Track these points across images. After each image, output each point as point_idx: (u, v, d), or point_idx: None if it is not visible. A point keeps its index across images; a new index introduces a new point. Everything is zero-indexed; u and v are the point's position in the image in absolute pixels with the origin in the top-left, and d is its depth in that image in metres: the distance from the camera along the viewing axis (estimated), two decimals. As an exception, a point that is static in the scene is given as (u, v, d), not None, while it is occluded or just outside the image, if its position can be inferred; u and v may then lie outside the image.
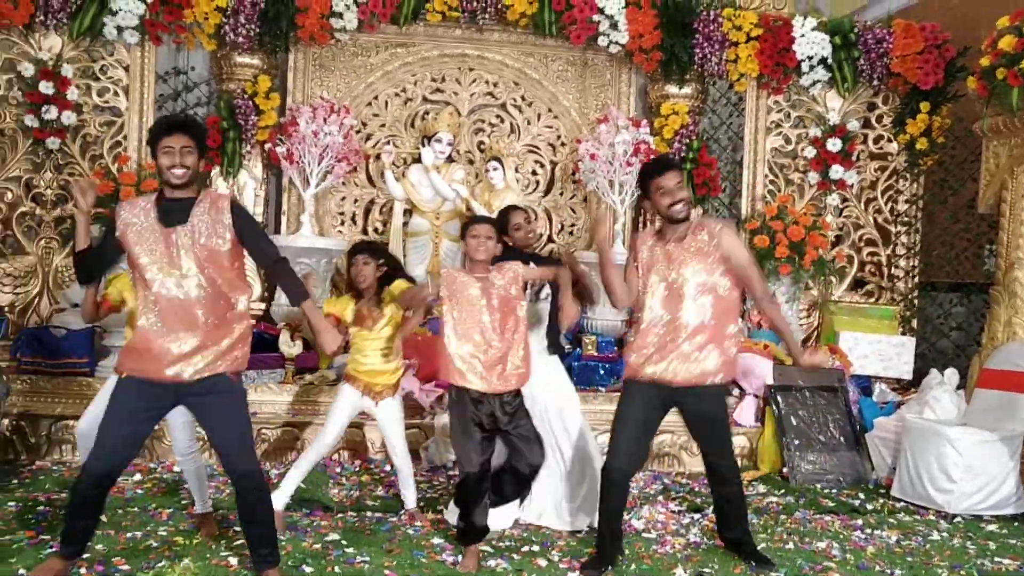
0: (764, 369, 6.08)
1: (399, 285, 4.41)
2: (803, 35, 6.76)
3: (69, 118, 6.18)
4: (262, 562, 3.64)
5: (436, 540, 4.29)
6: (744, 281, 3.96)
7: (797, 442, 5.86)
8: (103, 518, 4.28)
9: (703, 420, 4.04)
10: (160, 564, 3.78)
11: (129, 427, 3.50)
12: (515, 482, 4.09)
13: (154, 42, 6.38)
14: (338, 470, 5.47)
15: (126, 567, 3.77)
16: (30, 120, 6.15)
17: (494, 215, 6.45)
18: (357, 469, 5.56)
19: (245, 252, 3.61)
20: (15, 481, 5.03)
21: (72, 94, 6.20)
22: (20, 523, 4.29)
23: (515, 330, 4.01)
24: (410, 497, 4.63)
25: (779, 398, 5.98)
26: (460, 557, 4.04)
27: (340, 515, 4.62)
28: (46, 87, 6.11)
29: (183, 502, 4.71)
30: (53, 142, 6.19)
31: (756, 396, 6.11)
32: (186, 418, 4.03)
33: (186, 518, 4.45)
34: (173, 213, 3.50)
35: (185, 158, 3.50)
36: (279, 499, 4.34)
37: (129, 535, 4.17)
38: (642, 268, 4.00)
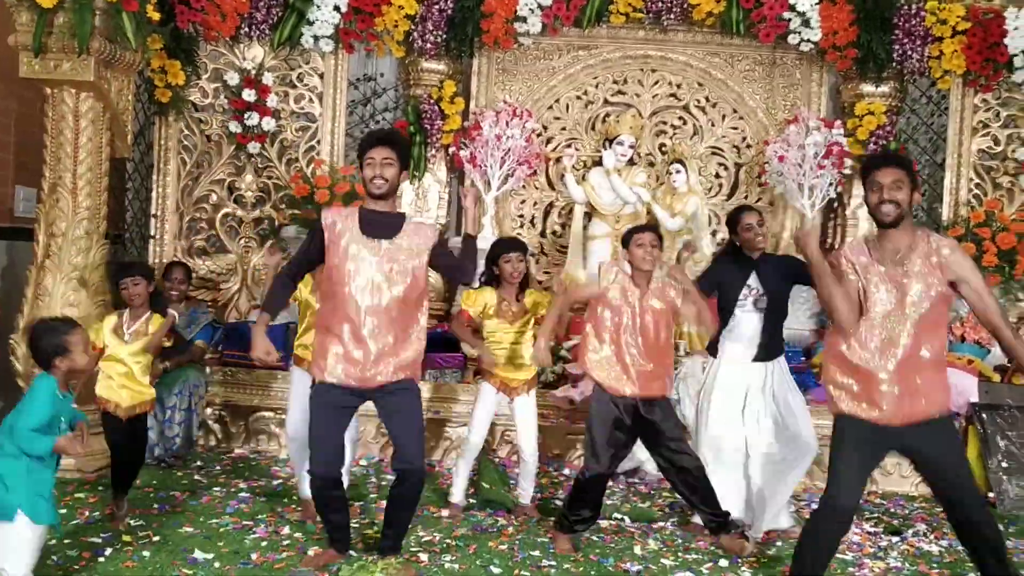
0: (967, 386, 5.66)
1: (545, 297, 4.64)
2: (1017, 28, 6.24)
3: (269, 124, 6.50)
4: (391, 548, 3.85)
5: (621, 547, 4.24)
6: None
7: (1005, 465, 5.43)
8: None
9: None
10: (360, 556, 3.88)
11: (334, 427, 3.72)
12: (688, 481, 4.14)
13: (347, 50, 6.62)
14: (517, 471, 5.49)
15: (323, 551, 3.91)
16: (234, 126, 6.52)
17: (676, 219, 6.38)
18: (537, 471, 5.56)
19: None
20: (218, 468, 5.33)
21: (272, 101, 6.52)
22: (224, 508, 4.53)
23: (656, 342, 4.07)
24: (527, 491, 4.72)
25: (984, 417, 5.56)
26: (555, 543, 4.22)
27: (524, 516, 4.63)
28: (249, 95, 6.46)
29: (372, 495, 4.84)
30: (254, 147, 6.53)
31: (958, 414, 5.70)
32: None
33: (375, 512, 4.57)
34: (378, 226, 3.67)
35: (385, 170, 3.65)
36: (457, 495, 4.68)
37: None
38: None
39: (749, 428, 4.45)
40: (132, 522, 4.24)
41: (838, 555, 4.28)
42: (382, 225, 3.68)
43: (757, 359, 4.44)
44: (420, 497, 3.84)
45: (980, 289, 3.35)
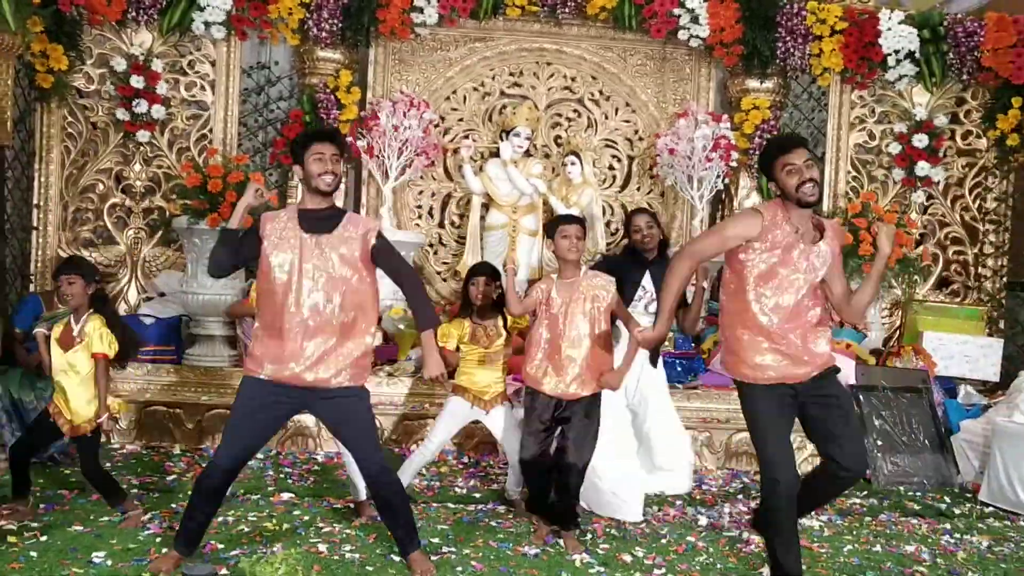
0: (846, 369, 5.96)
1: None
2: (890, 29, 6.61)
3: (159, 111, 6.34)
4: (410, 545, 3.77)
5: (517, 531, 4.32)
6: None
7: (880, 443, 5.75)
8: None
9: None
10: (259, 551, 3.86)
11: (256, 424, 3.63)
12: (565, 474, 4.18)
13: (240, 37, 6.51)
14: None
15: (221, 546, 3.88)
16: (121, 113, 6.34)
17: (571, 210, 6.50)
18: (436, 460, 5.61)
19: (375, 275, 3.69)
20: (108, 465, 5.17)
21: (161, 88, 6.36)
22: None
23: (593, 339, 4.07)
24: (514, 487, 4.74)
25: (861, 398, 5.87)
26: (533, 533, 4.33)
27: (423, 504, 4.68)
28: (137, 81, 6.28)
29: (269, 489, 4.80)
30: (143, 135, 6.36)
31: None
32: None
33: (273, 505, 4.54)
34: (317, 223, 3.59)
35: (336, 166, 3.61)
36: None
37: (220, 519, 4.25)
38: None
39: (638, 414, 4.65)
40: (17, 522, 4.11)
41: (725, 532, 4.49)
42: (322, 221, 3.60)
43: (651, 362, 4.63)
44: (405, 494, 3.80)
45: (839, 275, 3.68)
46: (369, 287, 3.65)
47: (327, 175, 3.58)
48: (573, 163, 6.66)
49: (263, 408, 3.61)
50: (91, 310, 4.10)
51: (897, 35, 6.61)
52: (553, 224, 4.25)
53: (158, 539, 3.96)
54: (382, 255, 3.65)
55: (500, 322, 4.51)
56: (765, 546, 3.76)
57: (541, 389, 4.14)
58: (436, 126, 6.87)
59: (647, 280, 4.56)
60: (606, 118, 7.17)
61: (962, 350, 6.49)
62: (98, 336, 4.04)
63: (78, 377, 4.06)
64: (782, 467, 3.51)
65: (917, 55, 6.68)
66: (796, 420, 3.65)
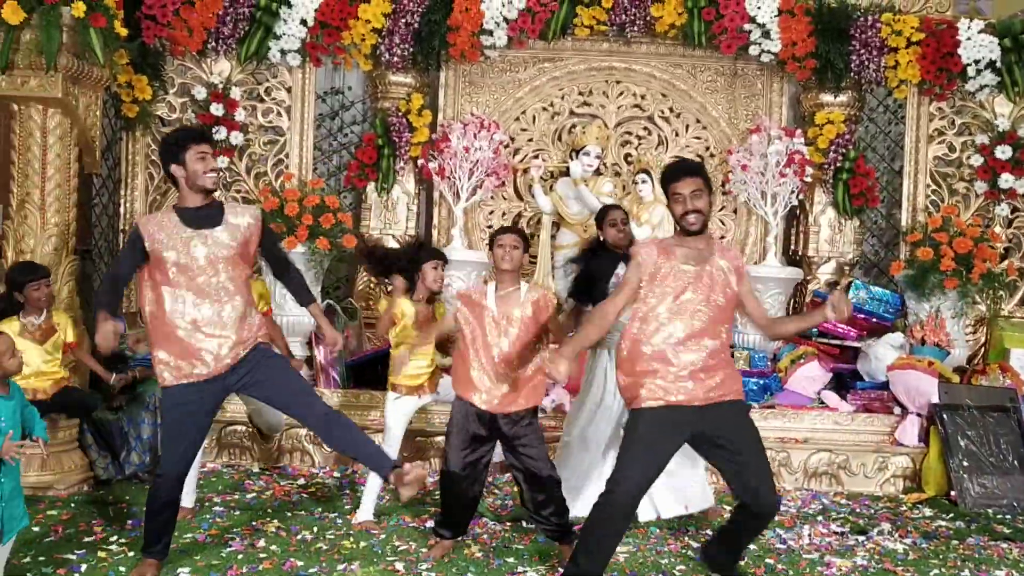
0: (928, 387, 5.81)
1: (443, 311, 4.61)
2: (969, 38, 6.45)
3: (237, 138, 6.52)
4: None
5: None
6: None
7: (966, 464, 5.57)
8: (278, 522, 4.52)
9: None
10: (337, 569, 3.91)
11: (193, 427, 3.78)
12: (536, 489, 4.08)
13: (314, 64, 6.67)
14: (489, 480, 5.53)
15: (300, 563, 3.95)
16: (202, 140, 6.52)
17: (643, 228, 6.47)
18: (508, 479, 5.62)
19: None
20: (191, 482, 5.31)
21: (240, 115, 6.55)
22: (199, 522, 4.52)
23: (524, 353, 4.01)
24: None
25: (945, 417, 5.70)
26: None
27: (499, 526, 4.68)
28: (216, 109, 6.47)
29: (346, 507, 4.87)
30: (222, 160, 6.53)
31: (919, 415, 5.84)
32: None
33: (351, 523, 4.59)
34: (200, 219, 3.71)
35: (216, 163, 3.77)
36: (364, 514, 4.59)
37: (299, 537, 4.34)
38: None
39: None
40: (108, 537, 4.23)
41: (805, 554, 4.40)
42: (205, 215, 3.71)
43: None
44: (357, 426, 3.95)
45: (752, 293, 3.77)
46: (247, 271, 3.82)
47: (212, 172, 3.71)
48: (644, 181, 6.64)
49: (199, 408, 3.75)
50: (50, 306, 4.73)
51: (977, 44, 6.44)
52: (492, 235, 4.26)
53: (239, 556, 4.05)
54: (268, 239, 3.94)
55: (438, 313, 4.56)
56: None
57: (470, 400, 4.05)
58: (506, 147, 6.91)
59: (621, 268, 4.58)
60: (676, 135, 7.14)
61: (1052, 368, 6.26)
62: (64, 330, 4.81)
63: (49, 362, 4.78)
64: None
65: (998, 64, 6.49)
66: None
